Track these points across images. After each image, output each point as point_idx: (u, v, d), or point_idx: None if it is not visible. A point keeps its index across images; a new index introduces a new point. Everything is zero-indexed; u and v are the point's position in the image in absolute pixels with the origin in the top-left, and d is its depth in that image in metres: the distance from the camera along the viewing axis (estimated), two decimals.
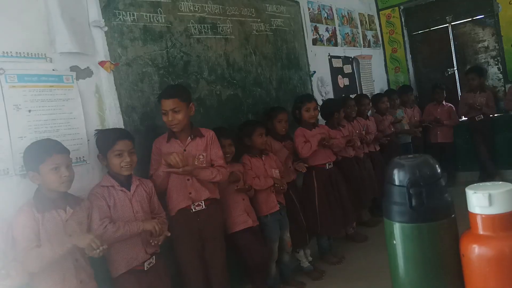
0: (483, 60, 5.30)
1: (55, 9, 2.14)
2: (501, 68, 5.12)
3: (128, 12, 2.51)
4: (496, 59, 5.19)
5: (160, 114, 2.44)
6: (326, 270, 3.37)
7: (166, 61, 2.72)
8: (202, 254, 2.48)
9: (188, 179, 2.44)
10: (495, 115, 4.98)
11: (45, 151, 1.87)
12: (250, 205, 2.91)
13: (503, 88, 5.10)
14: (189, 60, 2.88)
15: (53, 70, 2.14)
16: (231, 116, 3.16)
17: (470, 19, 5.33)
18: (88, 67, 2.30)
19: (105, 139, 2.17)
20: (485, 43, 5.26)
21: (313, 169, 3.45)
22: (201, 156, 2.49)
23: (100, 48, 2.36)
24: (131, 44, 2.51)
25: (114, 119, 2.37)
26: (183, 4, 2.88)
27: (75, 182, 2.14)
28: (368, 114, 4.52)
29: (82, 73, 2.27)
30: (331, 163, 3.51)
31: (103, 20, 2.37)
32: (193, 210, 2.45)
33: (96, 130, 2.25)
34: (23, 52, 2.03)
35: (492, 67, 5.24)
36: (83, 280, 1.93)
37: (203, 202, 2.47)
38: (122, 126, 2.40)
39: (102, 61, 2.35)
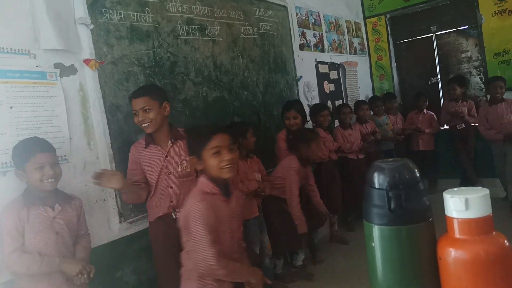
0: (466, 70, 5.41)
1: (40, 5, 2.12)
2: (483, 78, 5.23)
3: (115, 11, 2.50)
4: (478, 69, 5.31)
5: None
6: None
7: (152, 61, 2.70)
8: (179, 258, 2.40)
9: (171, 187, 2.32)
10: (477, 124, 5.09)
11: (29, 151, 1.87)
12: None
13: (484, 98, 5.21)
14: (176, 60, 2.88)
15: (36, 66, 2.12)
16: (217, 118, 3.16)
17: (454, 29, 5.44)
18: (72, 65, 2.28)
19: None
20: (468, 54, 5.38)
21: None
22: (184, 162, 2.31)
23: (86, 46, 2.33)
24: (117, 42, 2.50)
25: (98, 118, 2.35)
26: (171, 4, 2.88)
27: None
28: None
29: (66, 70, 2.25)
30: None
31: (90, 17, 2.35)
32: (174, 216, 2.32)
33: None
34: (6, 48, 2.01)
35: (475, 77, 5.35)
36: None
37: None
38: (106, 125, 2.38)
39: (87, 59, 2.32)
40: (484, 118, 4.46)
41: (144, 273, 2.50)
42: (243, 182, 2.96)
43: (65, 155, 2.18)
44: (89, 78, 2.34)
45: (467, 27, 5.32)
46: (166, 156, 2.31)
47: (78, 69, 2.30)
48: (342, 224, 4.24)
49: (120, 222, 2.40)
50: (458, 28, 5.40)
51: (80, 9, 2.31)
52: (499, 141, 4.29)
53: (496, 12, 4.94)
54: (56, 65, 2.20)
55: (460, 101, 4.99)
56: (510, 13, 4.87)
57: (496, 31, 4.97)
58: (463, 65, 5.43)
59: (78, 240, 2.06)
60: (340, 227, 4.15)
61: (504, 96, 4.42)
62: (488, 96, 4.69)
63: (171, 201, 2.32)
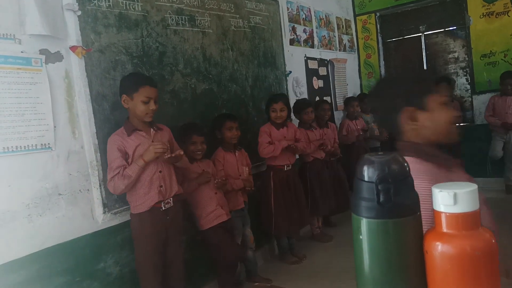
0: (452, 71, 5.47)
1: None
2: (469, 79, 5.31)
3: None
4: (465, 70, 5.37)
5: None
6: (287, 269, 3.44)
7: (140, 50, 2.66)
8: (163, 252, 2.39)
9: (160, 171, 2.34)
10: (461, 124, 5.17)
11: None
12: (224, 198, 2.88)
13: (470, 99, 5.29)
14: (164, 51, 2.84)
15: (21, 52, 2.06)
16: (205, 111, 3.13)
17: (443, 30, 5.50)
18: (58, 51, 2.22)
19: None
20: (455, 54, 5.44)
21: (271, 170, 3.46)
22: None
23: (72, 33, 2.28)
24: (105, 30, 2.45)
25: (83, 106, 2.30)
26: None
27: (38, 169, 2.07)
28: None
29: (52, 57, 2.19)
30: (290, 165, 3.52)
31: (77, 4, 2.29)
32: (163, 208, 2.34)
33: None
34: None
35: (461, 77, 5.42)
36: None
37: (171, 199, 2.39)
38: (92, 114, 2.33)
39: (73, 46, 2.27)
40: (491, 106, 4.92)
41: (126, 264, 2.47)
42: (228, 179, 2.94)
43: (48, 143, 2.13)
44: (75, 66, 2.28)
45: (455, 28, 5.39)
46: (152, 141, 2.34)
47: (64, 56, 2.25)
48: (324, 220, 4.26)
49: (104, 212, 2.36)
50: (446, 29, 5.46)
51: None
52: (499, 128, 4.82)
53: (484, 14, 5.01)
54: (42, 51, 2.14)
55: None
56: (497, 16, 4.94)
57: (483, 33, 5.04)
58: (450, 66, 5.50)
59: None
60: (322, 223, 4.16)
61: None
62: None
63: (160, 186, 2.34)
